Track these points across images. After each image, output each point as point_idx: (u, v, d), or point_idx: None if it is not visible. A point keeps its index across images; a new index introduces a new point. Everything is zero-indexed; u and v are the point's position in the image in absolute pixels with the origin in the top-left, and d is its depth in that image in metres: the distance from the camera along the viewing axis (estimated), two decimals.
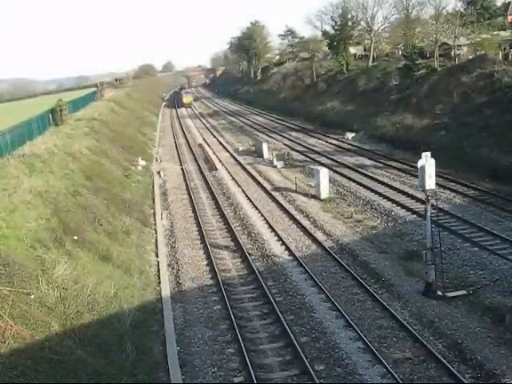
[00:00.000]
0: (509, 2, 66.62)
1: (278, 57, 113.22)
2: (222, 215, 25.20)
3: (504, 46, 47.96)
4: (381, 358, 12.22)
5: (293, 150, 41.41)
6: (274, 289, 16.77)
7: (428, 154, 15.07)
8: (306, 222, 23.02)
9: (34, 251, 14.03)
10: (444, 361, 11.94)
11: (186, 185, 32.50)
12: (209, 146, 48.66)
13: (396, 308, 14.79)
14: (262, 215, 24.51)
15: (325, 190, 26.80)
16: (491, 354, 12.15)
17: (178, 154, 44.92)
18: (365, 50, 73.90)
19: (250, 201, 27.28)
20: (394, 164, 32.79)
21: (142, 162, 36.58)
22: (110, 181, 26.66)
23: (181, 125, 68.72)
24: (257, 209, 25.72)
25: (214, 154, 43.58)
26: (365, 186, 28.06)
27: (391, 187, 27.37)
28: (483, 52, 44.31)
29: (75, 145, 28.52)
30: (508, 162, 26.78)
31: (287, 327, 13.94)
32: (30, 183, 18.56)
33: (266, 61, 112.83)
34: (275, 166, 35.83)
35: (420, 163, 15.10)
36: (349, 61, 66.32)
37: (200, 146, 49.21)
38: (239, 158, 39.92)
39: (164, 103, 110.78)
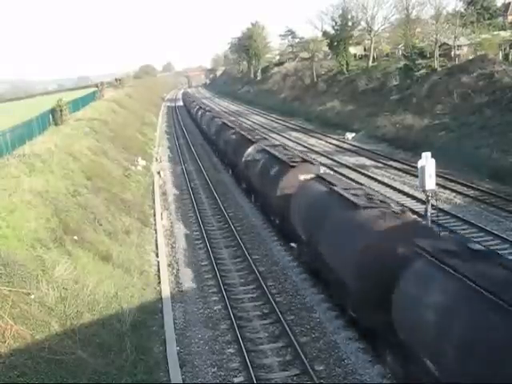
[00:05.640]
0: (509, 2, 66.62)
1: (278, 57, 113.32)
2: (223, 215, 25.18)
3: (504, 46, 47.97)
4: None
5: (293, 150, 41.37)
6: (273, 289, 16.70)
7: (428, 154, 15.07)
8: None
9: (33, 251, 14.02)
10: None
11: (187, 185, 32.50)
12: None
13: None
14: (263, 215, 24.48)
15: None
16: None
17: (179, 154, 44.92)
18: (365, 50, 73.91)
19: (251, 201, 27.26)
20: (394, 164, 32.78)
21: (142, 162, 36.57)
22: (109, 181, 26.65)
23: (181, 125, 68.75)
24: (258, 209, 25.69)
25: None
26: (365, 186, 28.00)
27: (391, 187, 27.35)
28: (483, 52, 44.33)
29: (75, 145, 28.50)
30: (508, 162, 26.78)
31: (288, 328, 13.93)
32: (30, 183, 18.53)
33: (266, 61, 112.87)
34: None
35: (420, 163, 15.10)
36: (349, 61, 66.35)
37: (201, 146, 49.22)
38: None
39: (164, 103, 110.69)
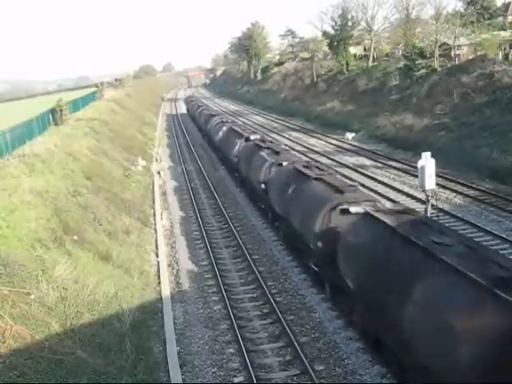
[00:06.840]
0: (509, 2, 66.61)
1: (278, 57, 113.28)
2: (223, 215, 25.18)
3: (504, 46, 47.98)
4: None
5: (293, 150, 41.33)
6: (273, 289, 16.72)
7: (428, 153, 15.08)
8: None
9: (34, 251, 14.02)
10: None
11: (187, 185, 32.50)
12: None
13: None
14: (263, 215, 24.48)
15: None
16: None
17: (179, 154, 44.91)
18: (365, 50, 73.87)
19: (251, 201, 27.25)
20: (394, 164, 32.76)
21: (142, 162, 36.55)
22: (109, 181, 26.65)
23: (181, 126, 68.79)
24: (258, 209, 25.68)
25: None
26: (365, 186, 28.00)
27: (391, 187, 27.36)
28: (483, 52, 44.32)
29: (75, 145, 28.51)
30: (508, 162, 26.77)
31: (288, 328, 13.94)
32: (30, 183, 18.54)
33: (266, 61, 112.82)
34: None
35: (420, 163, 15.11)
36: (349, 61, 66.32)
37: (201, 145, 49.25)
38: None
39: (164, 103, 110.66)
